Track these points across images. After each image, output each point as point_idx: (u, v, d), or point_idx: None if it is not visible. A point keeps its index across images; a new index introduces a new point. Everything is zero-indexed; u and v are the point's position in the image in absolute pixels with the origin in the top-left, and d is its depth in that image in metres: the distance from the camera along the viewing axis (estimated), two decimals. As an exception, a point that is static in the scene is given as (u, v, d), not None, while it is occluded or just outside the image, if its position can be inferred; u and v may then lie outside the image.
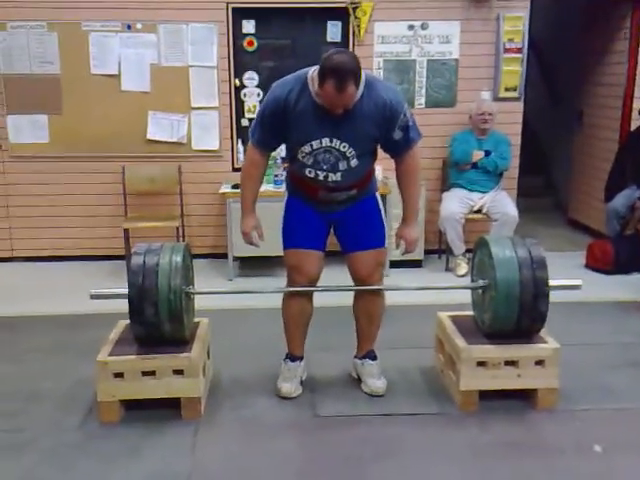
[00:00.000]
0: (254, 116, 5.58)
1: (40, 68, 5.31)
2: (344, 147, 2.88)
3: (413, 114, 2.95)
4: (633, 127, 5.59)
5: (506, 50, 5.45)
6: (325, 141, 2.87)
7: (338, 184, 2.97)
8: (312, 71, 2.84)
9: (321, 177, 2.95)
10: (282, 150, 4.94)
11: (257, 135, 3.00)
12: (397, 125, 2.87)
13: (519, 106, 5.61)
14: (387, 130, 2.88)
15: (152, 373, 2.96)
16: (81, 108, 5.38)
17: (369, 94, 2.82)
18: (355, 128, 2.84)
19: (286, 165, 3.44)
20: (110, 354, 2.99)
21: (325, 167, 2.92)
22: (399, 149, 2.96)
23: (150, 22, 5.28)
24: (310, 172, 2.95)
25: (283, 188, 3.29)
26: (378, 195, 3.19)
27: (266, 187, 5.02)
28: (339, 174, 2.93)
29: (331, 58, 2.69)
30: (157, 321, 2.91)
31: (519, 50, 5.46)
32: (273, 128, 2.92)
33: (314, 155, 2.90)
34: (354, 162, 2.92)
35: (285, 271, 3.21)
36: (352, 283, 3.23)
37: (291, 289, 3.18)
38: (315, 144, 2.88)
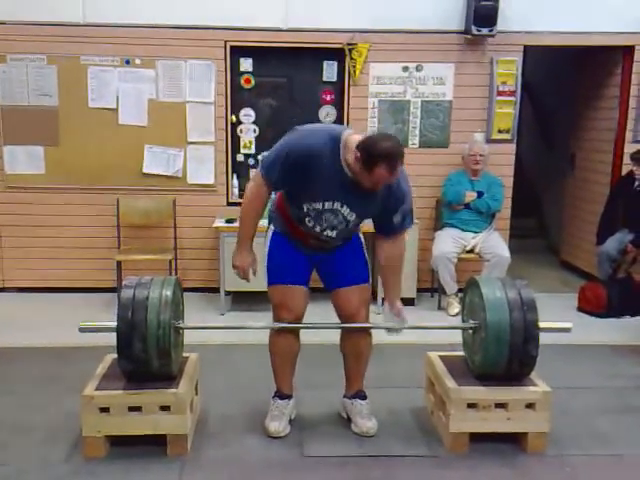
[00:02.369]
0: (249, 152, 5.66)
1: (38, 100, 5.36)
2: (350, 216, 2.96)
3: (413, 200, 3.02)
4: (624, 171, 5.65)
5: (499, 93, 5.53)
6: (337, 205, 2.93)
7: (331, 239, 3.05)
8: (345, 134, 2.83)
9: (317, 230, 3.00)
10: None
11: (272, 172, 2.88)
12: (400, 211, 2.96)
13: (512, 148, 5.67)
14: (388, 212, 2.96)
15: (138, 409, 2.92)
16: (78, 140, 5.41)
17: None
18: (367, 202, 2.93)
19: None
20: (96, 388, 2.96)
21: (325, 225, 2.99)
22: (392, 231, 3.04)
23: (149, 58, 5.35)
24: (309, 221, 2.99)
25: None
26: (361, 234, 3.24)
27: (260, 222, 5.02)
28: (335, 232, 3.01)
29: (380, 145, 2.69)
30: (145, 356, 2.88)
31: (512, 93, 5.55)
32: (292, 175, 2.84)
33: (321, 212, 2.95)
34: (351, 225, 3.02)
35: (273, 307, 3.21)
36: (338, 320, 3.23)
37: (281, 325, 3.16)
38: (327, 205, 2.93)
